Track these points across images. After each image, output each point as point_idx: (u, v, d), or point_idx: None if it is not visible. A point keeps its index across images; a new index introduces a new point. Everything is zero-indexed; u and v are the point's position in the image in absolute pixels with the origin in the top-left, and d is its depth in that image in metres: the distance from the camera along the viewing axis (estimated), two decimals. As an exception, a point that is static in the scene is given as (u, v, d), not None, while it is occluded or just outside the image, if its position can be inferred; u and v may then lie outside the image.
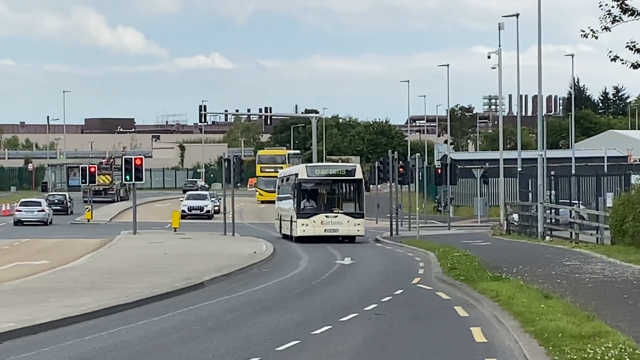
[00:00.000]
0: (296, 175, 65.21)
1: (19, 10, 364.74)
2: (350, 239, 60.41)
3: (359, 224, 60.05)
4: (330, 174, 63.65)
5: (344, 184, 63.01)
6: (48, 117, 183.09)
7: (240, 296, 29.92)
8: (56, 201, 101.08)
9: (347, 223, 59.26)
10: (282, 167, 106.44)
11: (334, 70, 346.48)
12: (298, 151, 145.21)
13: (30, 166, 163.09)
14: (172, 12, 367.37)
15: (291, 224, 63.93)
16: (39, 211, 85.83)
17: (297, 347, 19.01)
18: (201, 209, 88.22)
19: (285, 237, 65.87)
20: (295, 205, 61.79)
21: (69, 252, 48.08)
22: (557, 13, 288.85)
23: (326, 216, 59.53)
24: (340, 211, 60.37)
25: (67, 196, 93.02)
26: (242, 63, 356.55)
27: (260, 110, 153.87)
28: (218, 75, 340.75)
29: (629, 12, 35.32)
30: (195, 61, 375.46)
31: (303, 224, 59.45)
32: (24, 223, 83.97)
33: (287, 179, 71.64)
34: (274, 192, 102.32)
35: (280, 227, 69.53)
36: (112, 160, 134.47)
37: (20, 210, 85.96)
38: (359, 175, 61.75)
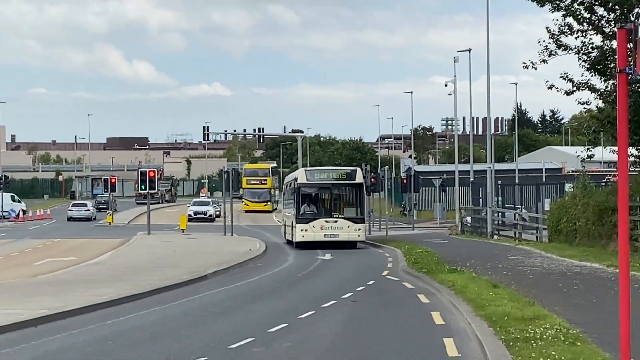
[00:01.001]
0: (295, 179, 54.56)
1: (50, 46, 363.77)
2: (352, 245, 50.24)
3: (359, 229, 49.92)
4: (330, 178, 52.48)
5: (344, 188, 51.96)
6: (75, 136, 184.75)
7: (238, 287, 29.87)
8: (102, 201, 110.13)
9: (347, 228, 49.18)
10: (265, 180, 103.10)
11: (316, 97, 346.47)
12: (275, 164, 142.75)
13: (60, 178, 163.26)
14: (180, 48, 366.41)
15: (292, 229, 53.07)
16: (85, 210, 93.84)
17: (285, 329, 19.06)
18: (205, 213, 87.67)
19: (289, 242, 55.33)
20: (295, 211, 51.62)
21: (94, 250, 47.91)
22: (502, 48, 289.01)
23: (326, 221, 49.25)
24: (340, 216, 50.01)
25: (112, 198, 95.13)
26: (239, 91, 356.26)
27: (255, 130, 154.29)
28: (219, 101, 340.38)
29: (563, 48, 35.40)
30: (199, 89, 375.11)
31: (302, 230, 49.48)
32: (74, 219, 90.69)
33: (290, 185, 60.88)
34: (259, 202, 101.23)
35: (284, 233, 59.27)
36: (161, 172, 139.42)
37: (72, 210, 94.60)
38: (359, 179, 51.06)
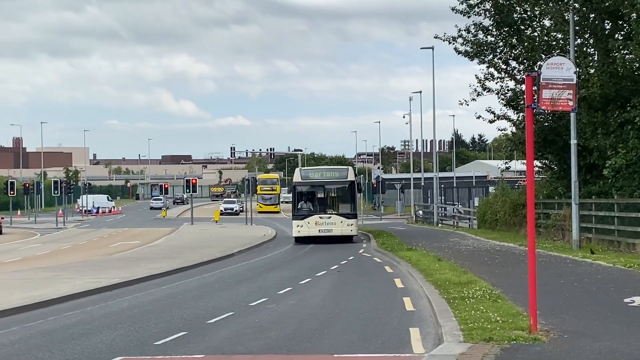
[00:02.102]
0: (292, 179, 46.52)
1: (120, 90, 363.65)
2: (347, 239, 41.16)
3: (351, 224, 40.97)
4: (324, 177, 43.61)
5: (337, 186, 42.68)
6: (139, 154, 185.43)
7: (256, 261, 29.80)
8: (177, 197, 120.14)
9: (340, 223, 40.52)
10: (274, 187, 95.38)
11: (310, 125, 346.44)
12: (281, 175, 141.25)
13: (128, 184, 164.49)
14: (213, 90, 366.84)
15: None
16: (161, 202, 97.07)
17: (290, 291, 19.04)
18: (232, 209, 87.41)
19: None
20: (292, 208, 43.27)
21: (152, 236, 47.81)
22: (444, 90, 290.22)
23: (320, 217, 40.51)
24: (334, 212, 41.26)
25: (184, 195, 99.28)
26: (255, 121, 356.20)
27: (267, 149, 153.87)
28: (241, 128, 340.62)
29: (487, 90, 35.52)
30: (227, 120, 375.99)
31: (298, 225, 40.72)
32: (154, 208, 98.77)
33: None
34: (270, 205, 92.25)
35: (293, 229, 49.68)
36: (228, 180, 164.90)
37: (153, 202, 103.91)
38: (351, 177, 42.16)
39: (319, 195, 40.87)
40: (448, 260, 24.31)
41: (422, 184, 77.44)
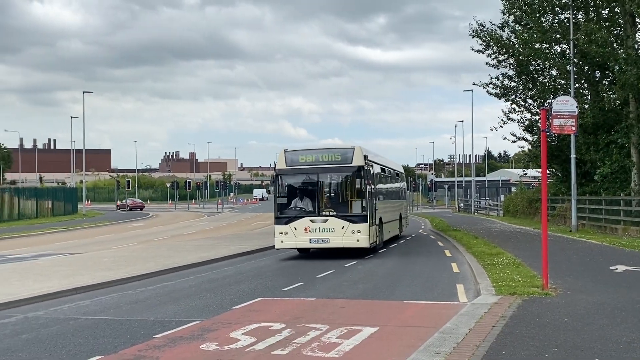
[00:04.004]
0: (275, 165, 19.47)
1: (258, 122, 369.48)
2: (355, 251, 18.82)
3: (359, 232, 17.91)
4: (318, 161, 18.51)
5: (337, 175, 18.49)
6: (270, 163, 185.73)
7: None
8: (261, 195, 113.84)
9: (341, 230, 18.04)
10: None
11: (385, 144, 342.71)
12: None
13: (263, 183, 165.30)
14: (318, 121, 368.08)
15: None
16: (260, 199, 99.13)
17: (371, 257, 18.65)
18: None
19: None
20: (274, 207, 18.94)
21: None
22: (479, 119, 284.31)
23: (311, 220, 18.19)
24: (331, 213, 18.26)
25: (266, 191, 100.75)
26: (347, 141, 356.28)
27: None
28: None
29: (510, 119, 34.68)
30: (326, 141, 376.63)
31: (281, 233, 18.51)
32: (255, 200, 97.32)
33: None
34: None
35: None
36: None
37: (256, 197, 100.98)
38: (358, 161, 18.00)
39: (310, 188, 18.73)
40: (482, 238, 23.75)
41: (463, 184, 76.60)
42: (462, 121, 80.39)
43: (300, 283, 13.19)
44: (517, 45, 31.24)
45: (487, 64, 33.48)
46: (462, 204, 66.36)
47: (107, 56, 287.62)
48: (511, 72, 33.32)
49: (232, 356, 7.08)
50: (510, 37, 32.25)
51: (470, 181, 66.03)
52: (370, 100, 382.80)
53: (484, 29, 32.42)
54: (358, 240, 17.89)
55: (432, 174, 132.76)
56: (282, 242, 18.40)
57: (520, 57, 31.33)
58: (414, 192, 74.70)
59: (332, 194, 18.73)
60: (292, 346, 7.44)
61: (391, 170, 24.68)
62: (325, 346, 7.40)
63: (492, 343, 7.04)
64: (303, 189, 18.54)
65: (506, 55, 32.37)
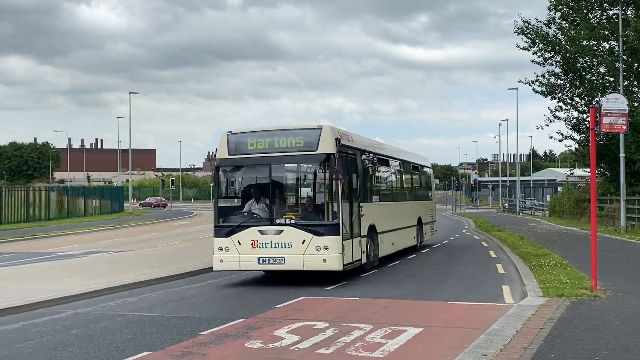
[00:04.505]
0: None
1: (299, 121, 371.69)
2: (318, 275, 12.38)
3: (325, 248, 11.42)
4: (273, 149, 11.87)
5: (298, 167, 12.49)
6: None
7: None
8: None
9: (301, 245, 11.47)
10: None
11: (426, 143, 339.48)
12: None
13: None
14: (359, 120, 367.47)
15: None
16: None
17: (414, 257, 18.64)
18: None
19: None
20: (213, 211, 12.43)
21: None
22: (522, 117, 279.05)
23: (261, 232, 11.65)
24: (289, 221, 11.67)
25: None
26: (388, 141, 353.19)
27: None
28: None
29: (557, 118, 34.05)
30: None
31: (220, 248, 12.08)
32: None
33: None
34: None
35: None
36: None
37: None
38: (327, 146, 11.48)
39: (261, 186, 12.43)
40: (528, 239, 23.32)
41: (507, 184, 75.58)
42: (507, 120, 79.65)
43: (344, 282, 13.11)
44: (563, 42, 30.61)
45: (532, 61, 32.89)
46: (506, 204, 65.33)
47: (152, 58, 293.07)
48: (558, 70, 32.69)
49: (277, 354, 7.12)
50: (557, 34, 31.63)
51: (515, 181, 64.98)
52: (412, 99, 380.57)
53: (530, 26, 31.84)
54: (325, 261, 11.71)
55: (476, 173, 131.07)
56: (221, 261, 12.33)
57: (567, 55, 30.70)
58: (457, 191, 73.89)
59: (292, 194, 13.02)
60: (336, 345, 7.44)
61: (398, 162, 18.12)
62: (369, 346, 7.38)
63: (540, 345, 6.91)
64: (251, 187, 12.68)
65: (552, 53, 31.75)
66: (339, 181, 11.81)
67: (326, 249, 11.76)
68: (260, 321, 9.03)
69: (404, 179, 18.97)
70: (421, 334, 7.99)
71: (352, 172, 13.03)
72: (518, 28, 31.78)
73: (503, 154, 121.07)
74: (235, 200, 13.08)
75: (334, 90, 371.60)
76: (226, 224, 12.46)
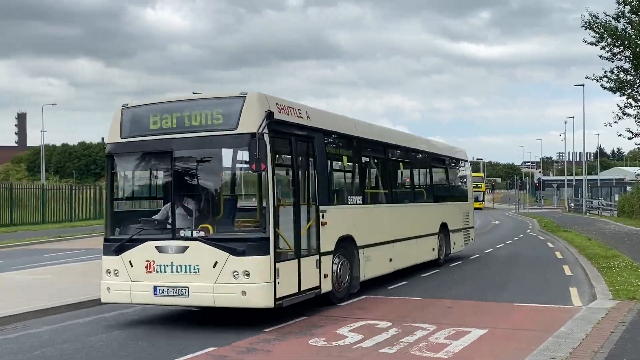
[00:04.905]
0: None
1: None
2: (241, 313, 8.06)
3: (246, 274, 7.22)
4: (181, 127, 7.46)
5: (211, 153, 7.47)
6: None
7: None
8: None
9: (212, 269, 7.17)
10: (479, 185, 64.18)
11: (487, 142, 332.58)
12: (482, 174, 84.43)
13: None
14: (418, 118, 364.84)
15: None
16: None
17: (476, 257, 18.32)
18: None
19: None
20: (105, 218, 7.98)
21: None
22: (589, 114, 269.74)
23: (158, 248, 7.38)
24: (197, 233, 7.30)
25: None
26: (448, 139, 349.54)
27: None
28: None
29: (626, 115, 32.85)
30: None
31: (109, 272, 7.90)
32: None
33: None
34: (477, 201, 52.68)
35: None
36: None
37: None
38: (251, 122, 7.05)
39: (162, 181, 8.58)
40: (596, 239, 22.60)
41: (573, 183, 73.41)
42: (573, 117, 77.06)
43: (405, 282, 13.07)
44: (633, 36, 29.50)
45: (600, 56, 31.78)
46: (572, 204, 63.47)
47: (214, 59, 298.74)
48: (627, 65, 31.51)
49: (341, 352, 7.15)
50: (626, 28, 30.50)
51: (581, 180, 63.05)
52: (473, 97, 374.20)
53: (597, 21, 30.81)
54: (244, 293, 7.72)
55: (540, 172, 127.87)
56: (108, 289, 8.53)
57: (637, 49, 29.55)
58: (520, 191, 72.27)
59: (203, 193, 8.41)
60: (399, 345, 7.42)
61: (403, 151, 13.41)
62: (433, 346, 7.33)
63: (612, 350, 6.70)
64: (149, 182, 9.10)
65: (622, 48, 30.62)
66: (268, 174, 7.58)
67: (247, 275, 7.62)
68: (323, 319, 9.09)
69: (415, 174, 14.26)
70: (486, 335, 7.87)
71: (303, 162, 8.71)
72: (585, 22, 30.79)
73: (569, 153, 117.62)
74: (128, 202, 9.03)
75: (392, 89, 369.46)
76: (115, 237, 8.49)
